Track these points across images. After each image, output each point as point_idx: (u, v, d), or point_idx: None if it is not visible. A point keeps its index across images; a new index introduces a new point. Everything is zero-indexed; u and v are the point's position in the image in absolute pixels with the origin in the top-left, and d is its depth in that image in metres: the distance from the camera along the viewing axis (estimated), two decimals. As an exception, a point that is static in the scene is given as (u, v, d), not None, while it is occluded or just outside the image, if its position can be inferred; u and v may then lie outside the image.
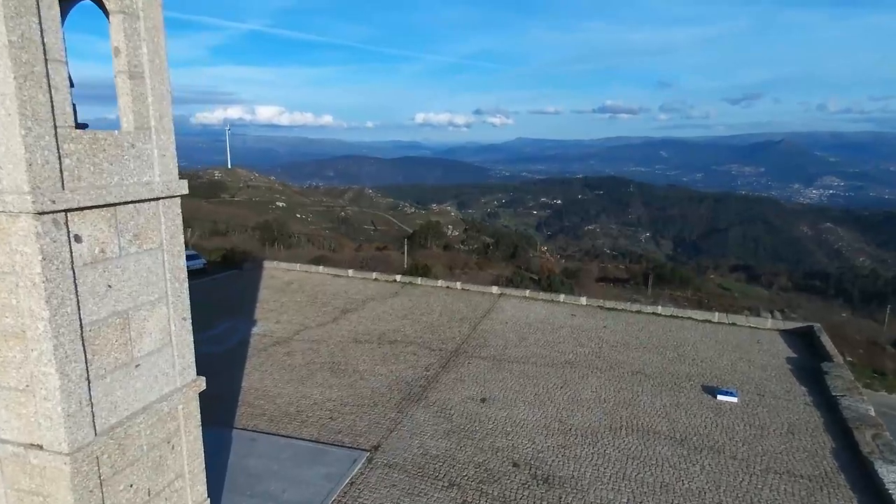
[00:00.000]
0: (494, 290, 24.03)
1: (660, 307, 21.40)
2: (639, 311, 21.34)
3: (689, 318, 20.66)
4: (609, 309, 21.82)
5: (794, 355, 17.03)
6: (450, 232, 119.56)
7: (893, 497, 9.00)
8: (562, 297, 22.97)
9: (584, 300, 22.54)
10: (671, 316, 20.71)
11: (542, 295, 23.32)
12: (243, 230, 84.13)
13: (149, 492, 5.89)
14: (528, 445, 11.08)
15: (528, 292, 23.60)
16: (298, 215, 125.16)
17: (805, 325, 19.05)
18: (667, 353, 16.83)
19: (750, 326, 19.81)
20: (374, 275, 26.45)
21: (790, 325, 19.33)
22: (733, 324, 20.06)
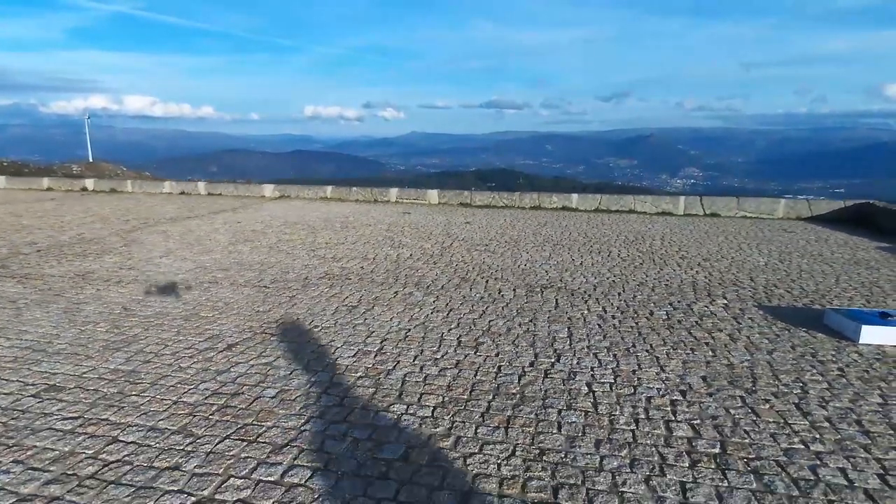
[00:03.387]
0: (269, 191, 12.39)
1: (575, 197, 11.13)
2: (559, 208, 10.99)
3: (631, 210, 10.67)
4: (482, 206, 11.24)
5: (886, 244, 7.54)
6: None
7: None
8: (393, 192, 11.91)
9: (434, 195, 11.67)
10: (595, 210, 10.64)
11: (356, 192, 12.07)
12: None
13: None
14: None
15: (329, 190, 12.24)
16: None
17: (853, 203, 9.80)
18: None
19: (746, 216, 10.23)
20: (47, 182, 13.59)
21: (824, 206, 9.97)
22: (714, 214, 10.36)
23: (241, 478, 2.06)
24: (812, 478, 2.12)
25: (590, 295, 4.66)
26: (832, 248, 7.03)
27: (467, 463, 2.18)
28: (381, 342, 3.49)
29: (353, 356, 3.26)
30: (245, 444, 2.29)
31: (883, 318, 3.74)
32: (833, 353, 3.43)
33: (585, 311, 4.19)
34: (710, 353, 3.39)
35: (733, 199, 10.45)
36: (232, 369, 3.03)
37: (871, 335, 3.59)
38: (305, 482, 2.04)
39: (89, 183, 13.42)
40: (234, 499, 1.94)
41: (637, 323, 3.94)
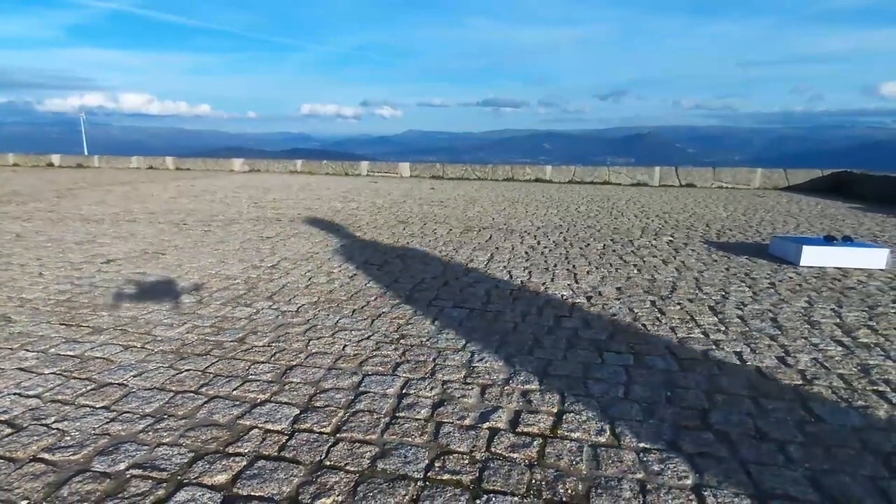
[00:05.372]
0: (238, 165, 12.09)
1: (549, 169, 10.84)
2: (532, 179, 10.71)
3: (606, 181, 10.40)
4: (455, 178, 10.93)
5: (859, 205, 7.29)
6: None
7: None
8: (363, 165, 11.64)
9: (406, 167, 11.39)
10: (569, 181, 10.36)
11: (326, 165, 11.77)
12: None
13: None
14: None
15: (300, 163, 11.95)
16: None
17: (830, 171, 9.55)
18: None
19: (722, 186, 9.97)
20: (12, 158, 13.25)
21: (802, 175, 9.72)
22: (690, 185, 10.11)
23: (33, 351, 1.79)
24: (700, 358, 1.86)
25: (528, 233, 4.39)
26: (801, 207, 6.77)
27: (309, 345, 1.91)
28: (280, 260, 3.21)
29: (242, 269, 2.98)
30: (63, 327, 2.02)
31: (828, 241, 3.48)
32: (769, 273, 3.16)
33: (517, 244, 3.92)
34: (636, 271, 3.12)
35: (709, 170, 10.19)
36: (96, 276, 2.76)
37: (813, 256, 3.33)
38: (108, 356, 1.77)
39: (55, 158, 13.10)
40: (14, 367, 1.67)
41: (567, 251, 3.67)
